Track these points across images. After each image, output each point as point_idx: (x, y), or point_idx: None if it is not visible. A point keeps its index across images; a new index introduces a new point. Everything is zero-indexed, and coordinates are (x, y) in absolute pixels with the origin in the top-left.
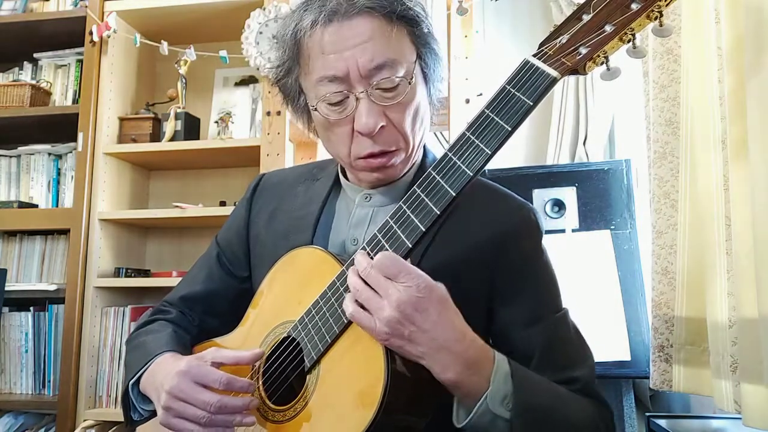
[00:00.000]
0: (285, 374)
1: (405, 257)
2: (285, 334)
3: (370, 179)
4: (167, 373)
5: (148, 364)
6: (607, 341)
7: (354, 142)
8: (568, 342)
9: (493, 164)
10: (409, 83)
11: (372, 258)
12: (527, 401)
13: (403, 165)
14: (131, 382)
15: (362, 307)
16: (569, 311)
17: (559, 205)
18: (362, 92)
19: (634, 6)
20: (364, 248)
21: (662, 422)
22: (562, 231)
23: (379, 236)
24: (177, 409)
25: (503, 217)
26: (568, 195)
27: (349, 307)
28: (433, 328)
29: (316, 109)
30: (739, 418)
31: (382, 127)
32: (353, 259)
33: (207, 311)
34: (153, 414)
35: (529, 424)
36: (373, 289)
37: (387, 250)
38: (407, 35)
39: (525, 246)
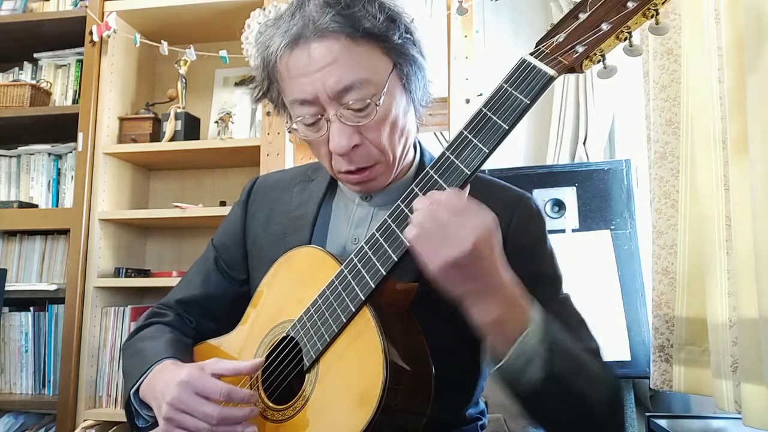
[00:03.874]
0: (284, 373)
1: (403, 256)
2: (284, 334)
3: (354, 191)
4: (167, 382)
5: (147, 371)
6: (607, 341)
7: (333, 160)
8: (576, 318)
9: (493, 164)
10: (377, 105)
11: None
12: (562, 344)
13: (386, 176)
14: (132, 391)
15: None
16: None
17: (559, 205)
18: (333, 114)
19: (630, 4)
20: (362, 247)
21: (662, 422)
22: (562, 231)
23: (377, 235)
24: (178, 421)
25: (505, 210)
26: (568, 195)
27: (411, 230)
28: (489, 271)
29: (294, 129)
30: (739, 418)
31: (356, 146)
32: (362, 246)
33: (204, 314)
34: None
35: (564, 365)
36: (439, 222)
37: (386, 249)
38: (378, 49)
39: (530, 235)
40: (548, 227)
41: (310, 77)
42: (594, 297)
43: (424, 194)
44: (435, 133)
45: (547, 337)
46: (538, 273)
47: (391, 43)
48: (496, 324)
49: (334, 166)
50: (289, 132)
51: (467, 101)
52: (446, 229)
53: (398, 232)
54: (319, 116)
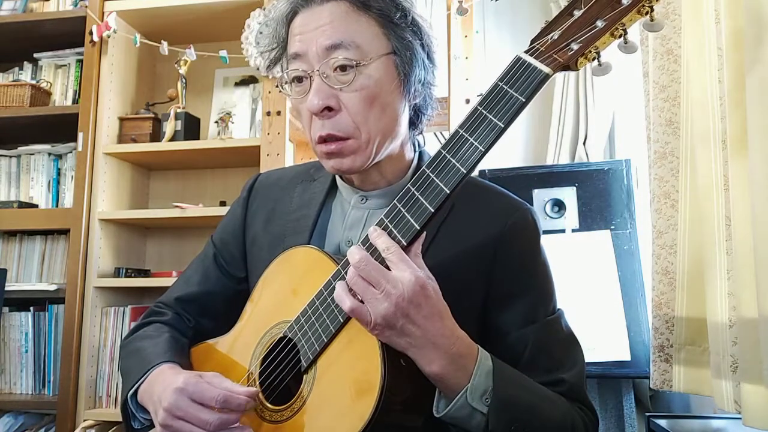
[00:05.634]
0: (282, 375)
1: None
2: (281, 335)
3: (327, 167)
4: (165, 388)
5: (146, 375)
6: (607, 341)
7: (312, 125)
8: (558, 344)
9: (493, 164)
10: (357, 67)
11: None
12: (506, 398)
13: (359, 157)
14: (130, 393)
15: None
16: (564, 313)
17: (559, 205)
18: (317, 70)
19: (625, 1)
20: (359, 246)
21: (662, 422)
22: (562, 231)
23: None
24: (175, 427)
25: (501, 218)
26: (568, 195)
27: (345, 301)
28: (424, 322)
29: (284, 87)
30: (739, 418)
31: (331, 109)
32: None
33: (203, 312)
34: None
35: (506, 420)
36: (367, 280)
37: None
38: (378, 26)
39: (522, 246)
40: (548, 227)
41: (307, 34)
42: (594, 297)
43: (417, 193)
44: (435, 133)
45: (489, 392)
46: (526, 289)
47: (392, 23)
48: (440, 376)
49: (312, 132)
50: (276, 87)
51: (467, 101)
52: (370, 288)
53: (395, 232)
54: (305, 74)
